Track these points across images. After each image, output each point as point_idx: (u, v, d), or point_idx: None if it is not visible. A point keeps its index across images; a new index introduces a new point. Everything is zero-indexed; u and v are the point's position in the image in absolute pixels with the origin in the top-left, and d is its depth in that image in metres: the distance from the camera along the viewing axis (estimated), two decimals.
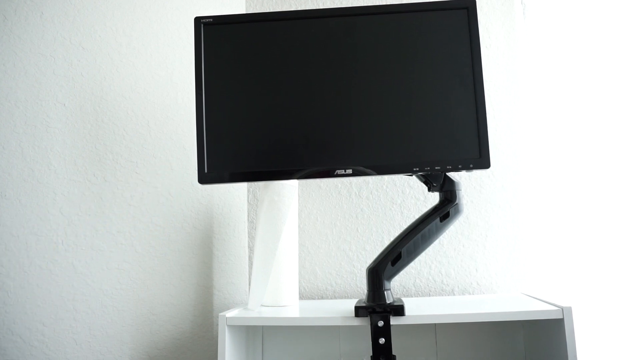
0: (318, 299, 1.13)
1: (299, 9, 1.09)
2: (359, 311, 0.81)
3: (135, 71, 1.03)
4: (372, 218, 1.14)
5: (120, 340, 0.94)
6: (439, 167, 0.83)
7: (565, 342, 0.76)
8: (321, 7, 1.22)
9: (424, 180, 0.89)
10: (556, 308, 0.78)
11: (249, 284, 1.15)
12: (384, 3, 1.18)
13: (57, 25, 0.95)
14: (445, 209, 0.86)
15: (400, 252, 0.85)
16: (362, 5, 0.96)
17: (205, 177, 0.86)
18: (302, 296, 1.14)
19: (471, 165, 0.83)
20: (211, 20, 0.89)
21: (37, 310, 0.87)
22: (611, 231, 1.03)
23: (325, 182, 1.16)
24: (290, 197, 0.94)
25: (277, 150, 0.85)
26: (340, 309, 0.90)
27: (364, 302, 0.84)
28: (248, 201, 1.20)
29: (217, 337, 1.07)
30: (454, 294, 1.09)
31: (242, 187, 1.19)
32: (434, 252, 1.11)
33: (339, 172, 0.84)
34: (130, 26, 1.03)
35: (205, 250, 1.08)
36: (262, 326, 1.08)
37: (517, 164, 1.11)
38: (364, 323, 0.81)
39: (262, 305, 0.98)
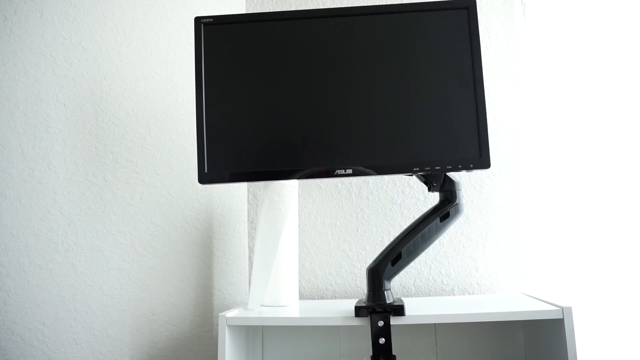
0: (318, 299, 1.13)
1: (299, 9, 1.09)
2: (359, 311, 0.81)
3: (135, 71, 1.03)
4: (372, 218, 1.14)
5: (120, 340, 0.94)
6: (439, 167, 0.83)
7: (565, 342, 0.76)
8: (321, 7, 1.22)
9: (424, 180, 0.89)
10: (556, 308, 0.78)
11: (249, 284, 1.15)
12: (384, 3, 1.18)
13: (57, 25, 0.95)
14: (445, 209, 0.86)
15: (400, 252, 0.85)
16: (362, 5, 0.96)
17: (205, 177, 0.86)
18: (302, 296, 1.14)
19: (471, 165, 0.83)
20: (211, 20, 0.89)
21: (37, 310, 0.87)
22: (611, 231, 1.03)
23: (325, 182, 1.16)
24: (290, 197, 0.94)
25: (277, 150, 0.85)
26: (340, 309, 0.90)
27: (364, 302, 0.84)
28: (248, 201, 1.20)
29: (217, 337, 1.07)
30: (454, 294, 1.09)
31: (242, 187, 1.19)
32: (434, 252, 1.11)
33: (339, 172, 0.84)
34: (130, 26, 1.03)
35: (205, 250, 1.08)
36: (262, 326, 1.08)
37: (517, 164, 1.11)
38: (364, 323, 0.81)
39: (262, 305, 0.98)
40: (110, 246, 0.95)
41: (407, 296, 1.10)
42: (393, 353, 0.82)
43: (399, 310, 0.80)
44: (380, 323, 0.80)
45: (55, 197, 0.91)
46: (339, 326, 1.01)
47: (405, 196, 1.13)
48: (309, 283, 1.14)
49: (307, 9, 1.08)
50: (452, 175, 0.88)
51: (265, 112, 0.87)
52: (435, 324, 1.04)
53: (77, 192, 0.93)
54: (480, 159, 0.83)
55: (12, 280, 0.86)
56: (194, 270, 1.05)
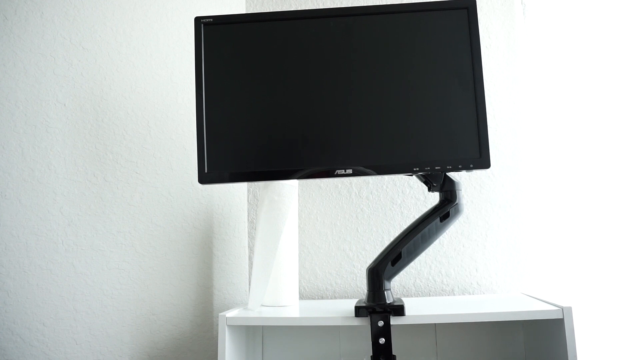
0: (318, 299, 1.13)
1: (299, 9, 1.09)
2: (359, 311, 0.81)
3: (135, 71, 1.03)
4: (372, 218, 1.14)
5: (120, 340, 0.94)
6: (439, 167, 0.83)
7: (565, 342, 0.76)
8: (321, 7, 1.22)
9: (424, 180, 0.89)
10: (556, 308, 0.79)
11: (249, 284, 1.15)
12: (384, 3, 1.18)
13: (57, 25, 0.95)
14: (445, 209, 0.86)
15: (400, 252, 0.85)
16: (362, 5, 0.96)
17: (205, 177, 0.86)
18: (302, 296, 1.14)
19: (471, 165, 0.83)
20: (211, 20, 0.89)
21: (37, 310, 0.87)
22: (611, 231, 1.03)
23: (325, 182, 1.16)
24: (290, 197, 0.94)
25: (277, 150, 0.85)
26: (340, 309, 0.90)
27: (364, 302, 0.84)
28: (248, 201, 1.20)
29: (217, 337, 1.07)
30: (454, 294, 1.09)
31: (242, 187, 1.19)
32: (434, 252, 1.11)
33: (339, 172, 0.84)
34: (130, 26, 1.03)
35: (205, 250, 1.08)
36: (262, 326, 1.08)
37: (517, 164, 1.11)
38: (364, 323, 0.81)
39: (262, 305, 0.98)
40: (110, 246, 0.95)
41: (407, 296, 1.10)
42: (393, 353, 0.82)
43: (399, 310, 0.80)
44: (380, 323, 0.80)
45: (55, 197, 0.91)
46: (339, 326, 1.01)
47: (405, 196, 1.13)
48: (309, 283, 1.14)
49: (307, 9, 1.08)
50: (452, 175, 0.88)
51: (265, 112, 0.87)
52: (435, 324, 1.04)
53: (77, 192, 0.93)
54: (480, 159, 0.83)
55: (12, 280, 0.86)
56: (194, 270, 1.05)
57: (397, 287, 1.11)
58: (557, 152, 1.08)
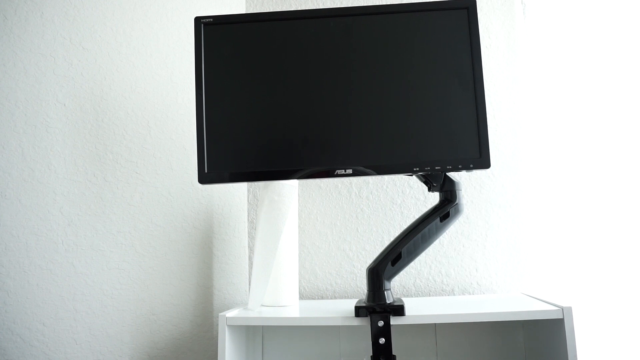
0: (318, 299, 1.13)
1: (299, 9, 1.09)
2: (359, 311, 0.81)
3: (135, 71, 1.03)
4: (372, 218, 1.14)
5: (120, 340, 0.94)
6: (439, 167, 0.83)
7: (565, 342, 0.76)
8: (321, 7, 1.22)
9: (424, 180, 0.89)
10: (556, 308, 0.79)
11: (249, 284, 1.15)
12: (384, 3, 1.18)
13: (57, 25, 0.95)
14: (445, 209, 0.86)
15: (400, 252, 0.85)
16: (361, 5, 0.96)
17: (205, 177, 0.86)
18: (302, 296, 1.14)
19: (471, 165, 0.83)
20: (211, 20, 0.89)
21: (37, 310, 0.87)
22: (611, 231, 1.03)
23: (325, 182, 1.16)
24: (290, 197, 0.94)
25: (277, 150, 0.85)
26: (340, 309, 0.90)
27: (364, 302, 0.84)
28: (248, 201, 1.20)
29: (217, 337, 1.07)
30: (454, 294, 1.09)
31: (242, 187, 1.19)
32: (434, 252, 1.11)
33: (339, 172, 0.84)
34: (130, 26, 1.03)
35: (205, 250, 1.08)
36: (262, 326, 1.08)
37: (517, 164, 1.11)
38: (364, 323, 0.81)
39: (262, 305, 0.98)
40: (110, 246, 0.95)
41: (407, 296, 1.10)
42: (393, 353, 0.82)
43: (399, 310, 0.80)
44: (380, 323, 0.80)
45: (55, 197, 0.91)
46: (339, 326, 1.01)
47: (405, 196, 1.13)
48: (309, 283, 1.14)
49: (307, 9, 1.08)
50: (452, 175, 0.88)
51: (265, 112, 0.87)
52: (435, 324, 1.04)
53: (77, 192, 0.93)
54: (480, 159, 0.83)
55: (12, 280, 0.86)
56: (194, 270, 1.05)
57: (397, 287, 1.11)
58: (557, 152, 1.08)
